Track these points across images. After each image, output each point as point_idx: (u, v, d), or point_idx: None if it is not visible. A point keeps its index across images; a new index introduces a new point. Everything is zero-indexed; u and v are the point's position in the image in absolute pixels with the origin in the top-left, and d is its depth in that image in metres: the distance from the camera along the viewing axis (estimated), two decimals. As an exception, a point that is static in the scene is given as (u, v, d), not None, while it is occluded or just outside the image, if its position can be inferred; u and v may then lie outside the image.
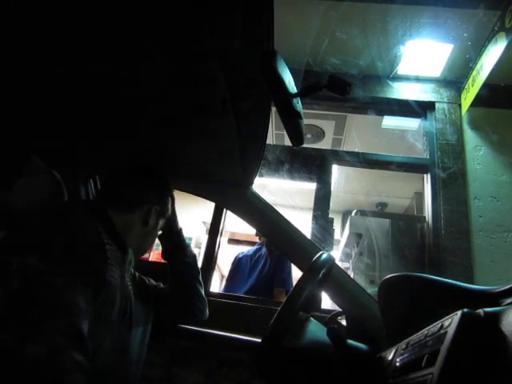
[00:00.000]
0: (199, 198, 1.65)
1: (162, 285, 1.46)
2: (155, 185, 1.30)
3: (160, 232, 1.41)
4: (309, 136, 4.42)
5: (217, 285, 5.38)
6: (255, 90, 1.08)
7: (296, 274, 3.35)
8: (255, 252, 3.28)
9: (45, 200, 1.23)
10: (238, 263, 3.30)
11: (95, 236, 0.93)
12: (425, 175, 3.34)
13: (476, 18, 2.89)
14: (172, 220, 1.45)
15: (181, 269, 1.43)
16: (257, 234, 3.47)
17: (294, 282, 1.05)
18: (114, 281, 0.95)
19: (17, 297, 0.73)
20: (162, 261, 1.54)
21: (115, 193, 1.20)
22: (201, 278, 1.48)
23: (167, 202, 1.34)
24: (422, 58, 3.36)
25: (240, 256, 3.34)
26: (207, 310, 1.47)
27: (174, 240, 1.47)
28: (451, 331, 0.54)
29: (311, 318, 1.10)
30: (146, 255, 4.62)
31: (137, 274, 1.36)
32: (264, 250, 3.21)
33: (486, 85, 3.00)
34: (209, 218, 2.71)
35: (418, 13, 2.97)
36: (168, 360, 1.53)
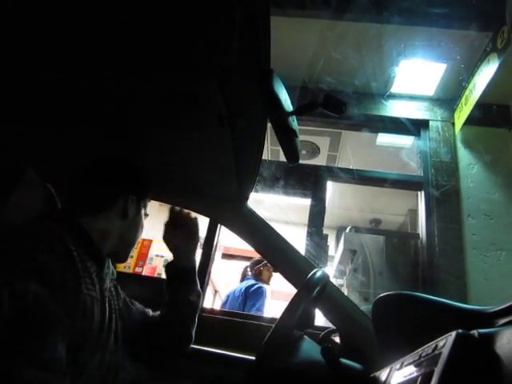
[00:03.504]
0: (194, 213, 1.64)
1: (151, 312, 1.35)
2: (123, 174, 1.22)
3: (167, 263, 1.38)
4: (304, 152, 4.44)
5: (210, 300, 5.33)
6: (251, 107, 1.09)
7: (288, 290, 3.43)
8: (236, 288, 3.56)
9: (38, 213, 1.22)
10: (224, 302, 3.60)
11: (66, 257, 0.89)
12: (419, 192, 3.36)
13: (468, 39, 2.94)
14: (187, 252, 1.38)
15: (182, 305, 1.32)
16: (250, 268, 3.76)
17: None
18: (90, 299, 0.92)
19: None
20: (155, 276, 1.51)
21: (84, 196, 1.15)
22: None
23: (142, 187, 1.26)
24: (415, 77, 3.41)
25: (228, 294, 3.62)
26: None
27: (185, 276, 1.37)
28: (446, 352, 0.54)
29: (305, 337, 1.09)
30: (140, 270, 4.58)
31: (122, 294, 1.27)
32: (243, 284, 3.43)
33: (479, 104, 3.05)
34: (203, 233, 2.70)
35: (412, 34, 3.02)
36: (159, 377, 1.51)
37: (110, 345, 1.03)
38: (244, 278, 3.76)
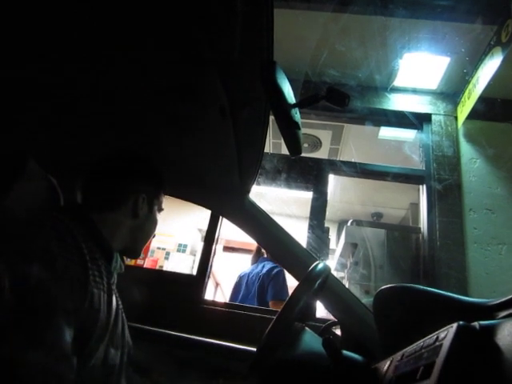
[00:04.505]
0: (195, 205, 1.65)
1: None
2: (135, 172, 1.20)
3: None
4: (306, 145, 4.43)
5: (211, 292, 5.36)
6: (254, 99, 1.09)
7: (291, 283, 3.36)
8: (252, 270, 3.25)
9: (41, 205, 1.22)
10: (238, 283, 3.29)
11: (75, 249, 0.90)
12: (420, 186, 3.36)
13: (473, 32, 2.93)
14: None
15: None
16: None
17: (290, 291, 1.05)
18: (97, 291, 0.92)
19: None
20: (157, 268, 1.51)
21: (96, 193, 1.14)
22: None
23: (155, 185, 1.24)
24: (419, 70, 3.39)
25: (241, 275, 3.31)
26: None
27: None
28: (447, 343, 0.55)
29: (306, 328, 1.10)
30: (141, 262, 4.60)
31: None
32: (259, 268, 3.18)
33: (482, 98, 3.03)
34: (204, 226, 2.71)
35: (417, 27, 3.00)
36: (159, 368, 1.52)
37: (116, 339, 1.03)
38: (258, 259, 3.38)
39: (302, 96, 1.02)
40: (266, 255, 3.31)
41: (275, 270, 3.11)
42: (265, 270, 3.14)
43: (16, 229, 0.91)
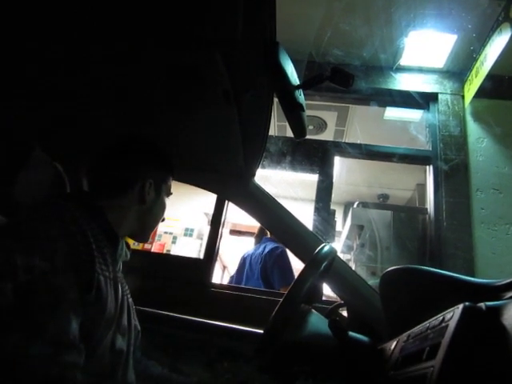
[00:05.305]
0: (201, 190, 1.65)
1: None
2: (141, 158, 1.18)
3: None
4: (311, 127, 4.40)
5: (219, 276, 5.41)
6: (257, 81, 1.07)
7: (297, 265, 3.37)
8: (255, 251, 3.24)
9: (47, 193, 1.22)
10: (241, 264, 3.28)
11: (80, 237, 0.90)
12: (427, 167, 3.33)
13: (480, 8, 2.86)
14: None
15: None
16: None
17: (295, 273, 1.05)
18: (104, 278, 0.93)
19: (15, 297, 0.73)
20: (164, 252, 1.52)
21: (101, 180, 1.13)
22: None
23: (162, 170, 1.22)
24: (425, 48, 3.33)
25: (244, 256, 3.31)
26: None
27: None
28: (453, 324, 0.55)
29: (313, 310, 1.11)
30: (149, 246, 4.64)
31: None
32: (261, 248, 3.17)
33: (490, 76, 2.98)
34: (211, 210, 2.72)
35: (422, 3, 2.94)
36: (168, 351, 1.54)
37: (123, 326, 1.04)
38: (261, 239, 3.33)
39: (305, 77, 1.01)
40: (268, 235, 3.30)
41: (277, 251, 3.06)
42: (267, 250, 3.12)
43: (21, 217, 0.91)
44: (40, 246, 0.82)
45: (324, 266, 1.02)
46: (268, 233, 3.32)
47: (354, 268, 3.25)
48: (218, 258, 4.15)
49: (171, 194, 1.27)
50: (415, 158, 3.40)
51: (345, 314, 1.46)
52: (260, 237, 3.37)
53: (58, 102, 1.26)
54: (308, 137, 1.46)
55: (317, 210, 3.15)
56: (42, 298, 0.76)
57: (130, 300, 1.14)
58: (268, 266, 3.01)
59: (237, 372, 1.50)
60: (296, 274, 2.73)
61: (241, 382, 1.49)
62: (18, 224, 0.88)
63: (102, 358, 0.92)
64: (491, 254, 2.81)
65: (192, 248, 4.95)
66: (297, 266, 2.72)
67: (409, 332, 0.75)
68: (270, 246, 3.16)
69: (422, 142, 3.47)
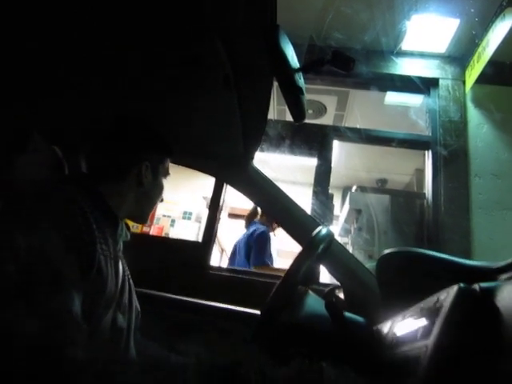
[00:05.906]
0: (200, 173, 1.65)
1: None
2: (137, 141, 1.19)
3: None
4: (310, 111, 4.38)
5: (217, 259, 5.44)
6: (257, 65, 1.07)
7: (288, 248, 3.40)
8: (243, 235, 3.37)
9: (46, 176, 1.22)
10: (233, 251, 3.42)
11: (81, 218, 0.90)
12: (426, 152, 3.33)
13: (484, -9, 2.82)
14: None
15: None
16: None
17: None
18: (104, 258, 0.94)
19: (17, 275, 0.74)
20: (163, 235, 1.53)
21: (99, 163, 1.14)
22: None
23: (158, 152, 1.22)
24: (427, 33, 3.30)
25: (235, 243, 3.44)
26: None
27: None
28: (447, 305, 0.56)
29: (309, 292, 1.12)
30: (147, 229, 4.66)
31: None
32: (250, 231, 3.29)
33: (492, 62, 2.96)
34: (209, 193, 2.72)
35: (425, -14, 2.90)
36: (167, 332, 1.56)
37: (124, 305, 1.06)
38: (250, 223, 3.45)
39: (306, 60, 1.00)
40: (257, 219, 3.41)
41: (257, 232, 3.21)
42: (251, 231, 3.27)
43: (21, 200, 0.92)
44: (41, 227, 0.83)
45: (321, 249, 1.04)
46: (258, 217, 3.44)
47: (351, 251, 3.27)
48: (216, 241, 4.17)
49: (169, 174, 1.28)
50: (414, 143, 3.40)
51: (341, 295, 1.48)
52: (248, 221, 3.49)
53: (57, 88, 1.25)
54: (307, 121, 1.46)
55: (315, 193, 3.15)
56: (44, 277, 0.77)
57: (131, 281, 1.15)
58: (250, 246, 3.17)
59: (234, 353, 1.52)
60: (290, 257, 2.76)
61: (238, 362, 1.52)
62: (18, 207, 0.89)
63: (103, 336, 0.94)
64: (488, 239, 2.83)
65: (190, 231, 4.97)
66: (291, 249, 2.75)
67: (404, 312, 0.77)
68: (254, 227, 3.30)
69: (422, 128, 3.46)
